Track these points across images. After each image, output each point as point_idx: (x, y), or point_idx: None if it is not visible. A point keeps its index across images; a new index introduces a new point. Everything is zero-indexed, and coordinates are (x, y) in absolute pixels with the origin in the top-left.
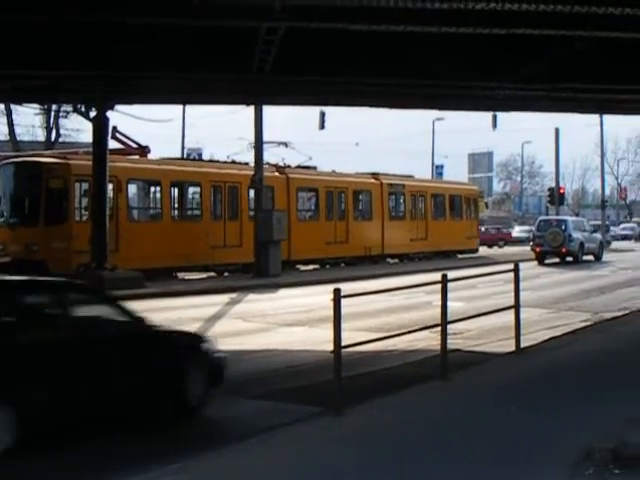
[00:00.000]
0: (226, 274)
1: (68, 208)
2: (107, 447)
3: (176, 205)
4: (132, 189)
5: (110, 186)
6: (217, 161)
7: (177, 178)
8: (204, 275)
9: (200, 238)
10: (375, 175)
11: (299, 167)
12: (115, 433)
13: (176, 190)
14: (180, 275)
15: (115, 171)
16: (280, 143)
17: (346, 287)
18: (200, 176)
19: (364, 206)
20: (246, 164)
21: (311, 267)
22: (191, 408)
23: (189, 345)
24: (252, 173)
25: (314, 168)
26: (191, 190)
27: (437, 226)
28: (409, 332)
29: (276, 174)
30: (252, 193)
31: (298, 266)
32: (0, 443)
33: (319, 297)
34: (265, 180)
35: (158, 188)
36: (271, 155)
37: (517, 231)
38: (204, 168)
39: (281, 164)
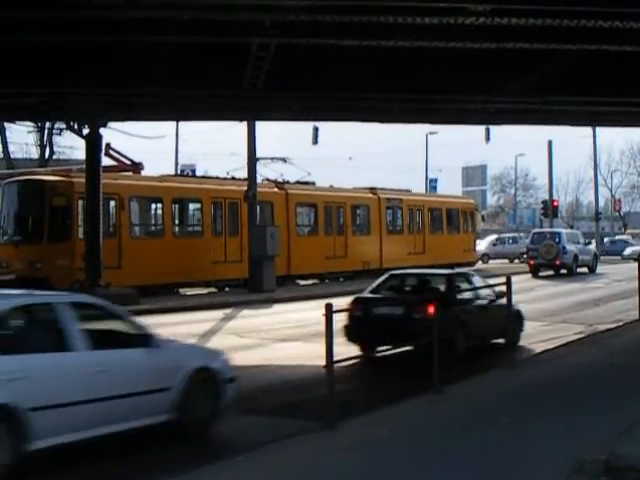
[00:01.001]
0: (227, 289)
1: (71, 225)
2: None
3: (177, 221)
4: (134, 206)
5: (112, 203)
6: (217, 177)
7: (178, 195)
8: (205, 291)
9: (201, 254)
10: (373, 190)
11: (298, 183)
12: None
13: (177, 206)
14: (182, 291)
15: (117, 188)
16: (279, 159)
17: (342, 302)
18: (201, 192)
19: (362, 221)
20: (245, 180)
21: (311, 282)
22: (514, 342)
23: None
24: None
25: (312, 183)
26: (192, 206)
27: (435, 240)
28: (402, 345)
29: (275, 190)
30: None
31: (298, 281)
32: (463, 346)
33: (313, 312)
34: (264, 196)
35: (160, 205)
36: (270, 171)
37: None
38: (204, 184)
39: (280, 180)
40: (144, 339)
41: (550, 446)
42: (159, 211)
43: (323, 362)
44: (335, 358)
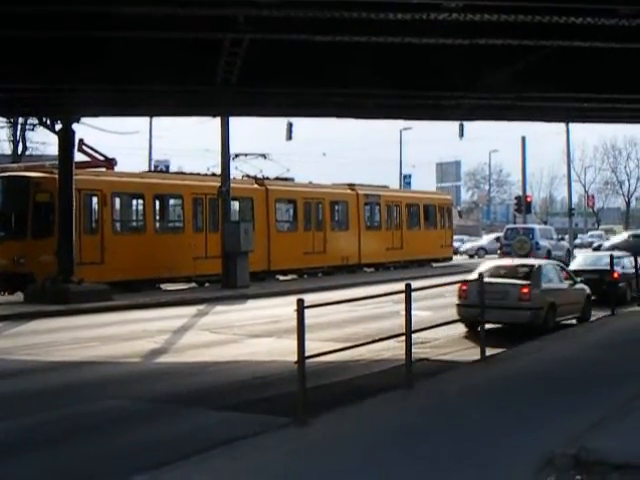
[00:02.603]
0: (207, 285)
1: (54, 221)
2: None
3: (159, 217)
4: (116, 202)
5: (95, 199)
6: (198, 174)
7: (160, 191)
8: (186, 286)
9: (183, 249)
10: (351, 186)
11: (277, 179)
12: None
13: (159, 203)
14: (163, 286)
15: (100, 184)
16: (258, 154)
17: (317, 297)
18: (182, 189)
19: (341, 216)
20: None
21: (290, 277)
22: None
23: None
24: (234, 185)
25: (292, 180)
26: (173, 202)
27: (412, 235)
28: (374, 341)
29: (255, 186)
30: (232, 205)
31: (278, 276)
32: (630, 295)
33: (287, 308)
34: (244, 192)
35: (141, 201)
36: (250, 167)
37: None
38: (185, 181)
39: (259, 176)
40: (575, 280)
41: (520, 440)
42: (141, 207)
43: (296, 358)
44: (307, 354)
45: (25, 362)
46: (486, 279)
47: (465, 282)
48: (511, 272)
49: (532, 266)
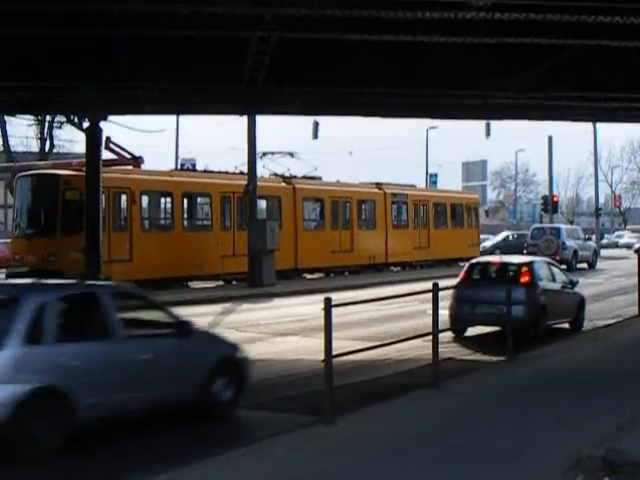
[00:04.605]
0: (234, 282)
1: (84, 219)
2: None
3: (187, 215)
4: (145, 200)
5: (123, 197)
6: (226, 172)
7: (188, 189)
8: (214, 284)
9: (210, 247)
10: (379, 185)
11: (305, 177)
12: None
13: (187, 201)
14: (191, 284)
15: (128, 182)
16: (286, 153)
17: (344, 296)
18: (210, 187)
19: (368, 215)
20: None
21: (317, 275)
22: None
23: None
24: (262, 184)
25: (319, 178)
26: (201, 201)
27: (439, 234)
28: (401, 341)
29: (283, 184)
30: (260, 203)
31: (305, 274)
32: None
33: (313, 306)
34: (272, 190)
35: (170, 199)
36: (278, 166)
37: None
38: (214, 179)
39: (287, 174)
40: None
41: (548, 441)
42: (169, 205)
43: (322, 356)
44: (334, 352)
45: None
46: None
47: None
48: None
49: None
